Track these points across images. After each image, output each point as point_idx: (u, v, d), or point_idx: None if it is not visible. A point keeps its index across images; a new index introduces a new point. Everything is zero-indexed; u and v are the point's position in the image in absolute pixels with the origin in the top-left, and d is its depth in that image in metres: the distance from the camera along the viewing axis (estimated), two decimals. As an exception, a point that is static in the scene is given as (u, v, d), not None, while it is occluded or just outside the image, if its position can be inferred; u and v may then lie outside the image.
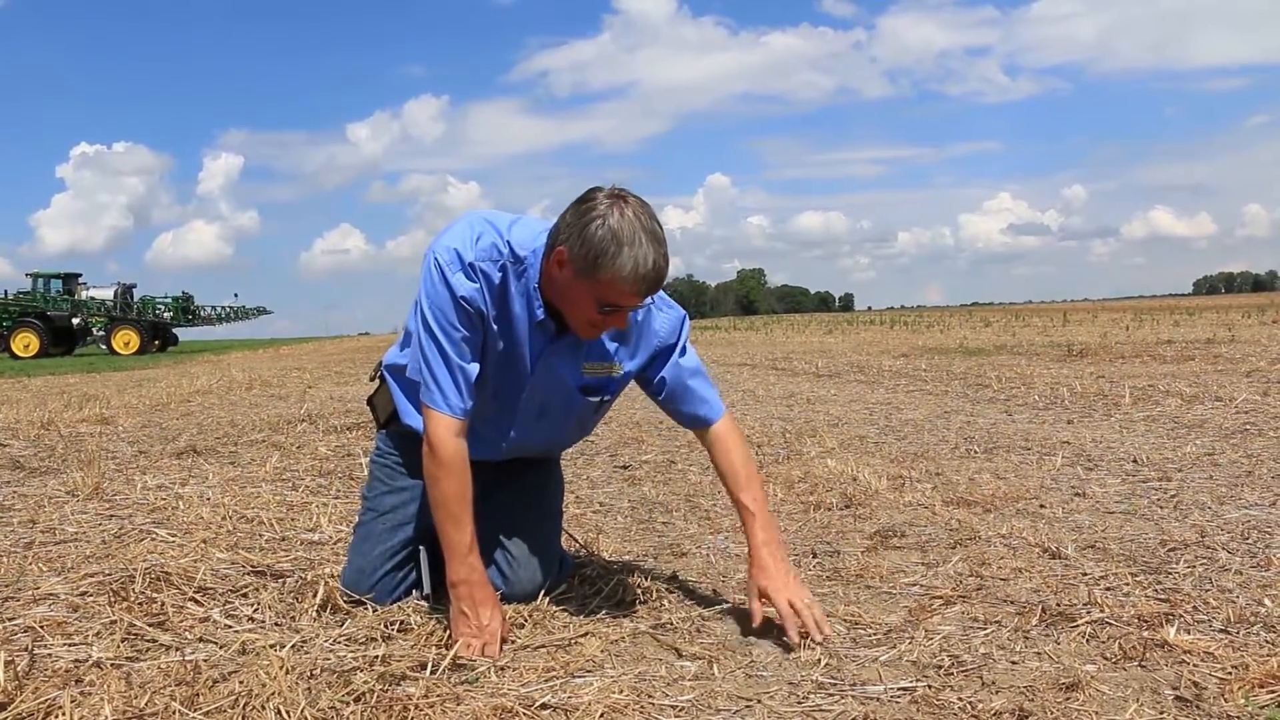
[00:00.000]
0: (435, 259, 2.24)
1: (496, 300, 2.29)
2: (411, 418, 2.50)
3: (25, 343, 37.74)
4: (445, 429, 2.26)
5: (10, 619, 2.45)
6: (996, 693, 1.94)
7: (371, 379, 2.77)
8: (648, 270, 2.10)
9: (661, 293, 2.36)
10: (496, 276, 2.27)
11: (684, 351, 2.50)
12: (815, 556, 3.05)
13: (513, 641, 2.27)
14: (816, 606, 2.33)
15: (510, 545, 2.56)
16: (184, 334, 47.57)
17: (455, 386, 2.26)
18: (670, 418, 2.58)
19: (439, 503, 2.28)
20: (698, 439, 2.58)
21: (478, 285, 2.25)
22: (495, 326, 2.31)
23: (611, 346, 2.41)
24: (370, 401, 2.76)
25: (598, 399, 2.50)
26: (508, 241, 2.28)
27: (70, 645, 2.25)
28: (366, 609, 2.46)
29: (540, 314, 2.29)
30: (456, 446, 2.27)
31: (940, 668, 2.08)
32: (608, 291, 2.13)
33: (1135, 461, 4.52)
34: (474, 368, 2.28)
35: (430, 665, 2.08)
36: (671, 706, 1.92)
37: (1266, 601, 2.42)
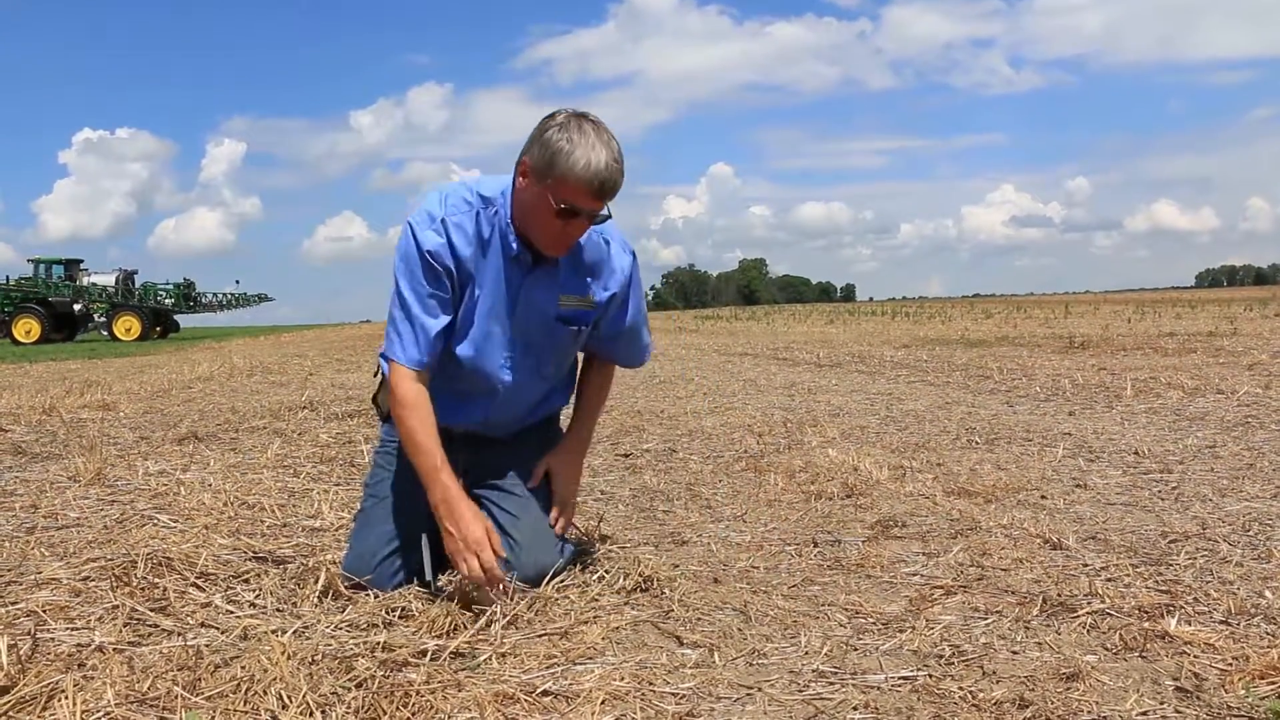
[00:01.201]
0: (409, 221, 2.44)
1: (474, 246, 2.44)
2: None
3: (27, 328, 37.72)
4: (403, 376, 2.44)
5: (13, 603, 2.45)
6: (997, 682, 1.94)
7: (375, 375, 2.79)
8: (600, 168, 2.26)
9: (618, 230, 2.58)
10: (471, 225, 2.44)
11: (638, 295, 2.71)
12: (816, 546, 3.05)
13: (514, 628, 2.28)
14: (571, 511, 2.73)
15: (513, 530, 2.57)
16: (185, 320, 47.60)
17: (415, 339, 2.43)
18: (598, 352, 2.79)
19: (406, 439, 2.45)
20: (587, 361, 2.84)
21: (444, 240, 2.41)
22: (475, 274, 2.46)
23: (589, 285, 2.57)
24: (375, 399, 2.84)
25: (575, 328, 2.61)
26: (476, 191, 2.46)
27: (73, 629, 2.26)
28: (368, 595, 2.46)
29: (515, 246, 2.44)
30: (416, 390, 2.44)
31: (941, 657, 2.09)
32: (563, 190, 2.28)
33: (1136, 453, 4.52)
34: (437, 323, 2.44)
35: (431, 652, 2.08)
36: (672, 694, 1.92)
37: (1267, 593, 2.42)
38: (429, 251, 2.39)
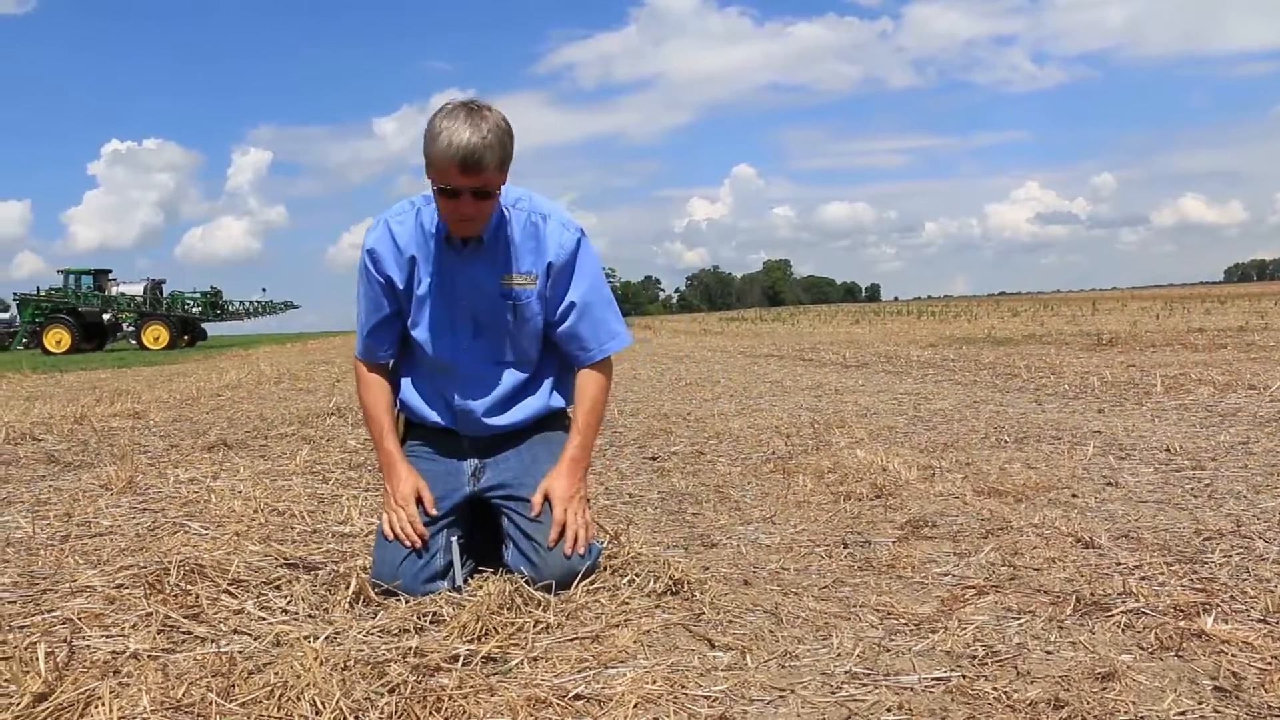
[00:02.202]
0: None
1: (415, 239, 2.63)
2: (409, 409, 2.81)
3: (57, 338, 38.08)
4: (360, 364, 2.79)
5: (49, 611, 2.48)
6: (1032, 683, 1.93)
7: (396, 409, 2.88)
8: (460, 144, 2.36)
9: (561, 211, 2.70)
10: (411, 221, 2.64)
11: (588, 274, 2.72)
12: (846, 547, 3.04)
13: (546, 632, 2.28)
14: (584, 528, 2.62)
15: (537, 535, 2.58)
16: (212, 329, 47.97)
17: (361, 338, 2.75)
18: (564, 342, 2.75)
19: (363, 410, 2.80)
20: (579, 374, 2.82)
21: (384, 236, 2.64)
22: (421, 263, 2.64)
23: (525, 263, 2.65)
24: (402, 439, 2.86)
25: (513, 303, 2.67)
26: (423, 195, 2.63)
27: (108, 637, 2.28)
28: (399, 601, 2.47)
29: (443, 230, 2.60)
30: (367, 372, 2.77)
31: (974, 658, 2.07)
32: (435, 172, 2.43)
33: (1168, 450, 4.48)
34: (369, 321, 2.71)
35: (463, 656, 2.09)
36: (705, 697, 1.92)
37: (1305, 591, 2.39)
38: (368, 250, 2.65)
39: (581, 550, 2.58)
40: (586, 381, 2.76)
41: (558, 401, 2.82)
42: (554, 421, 2.84)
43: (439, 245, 2.62)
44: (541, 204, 2.68)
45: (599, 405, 2.78)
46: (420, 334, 2.68)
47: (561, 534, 2.58)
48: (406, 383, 2.79)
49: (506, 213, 2.63)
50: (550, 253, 2.65)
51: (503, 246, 2.64)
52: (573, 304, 2.69)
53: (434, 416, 2.75)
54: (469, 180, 2.41)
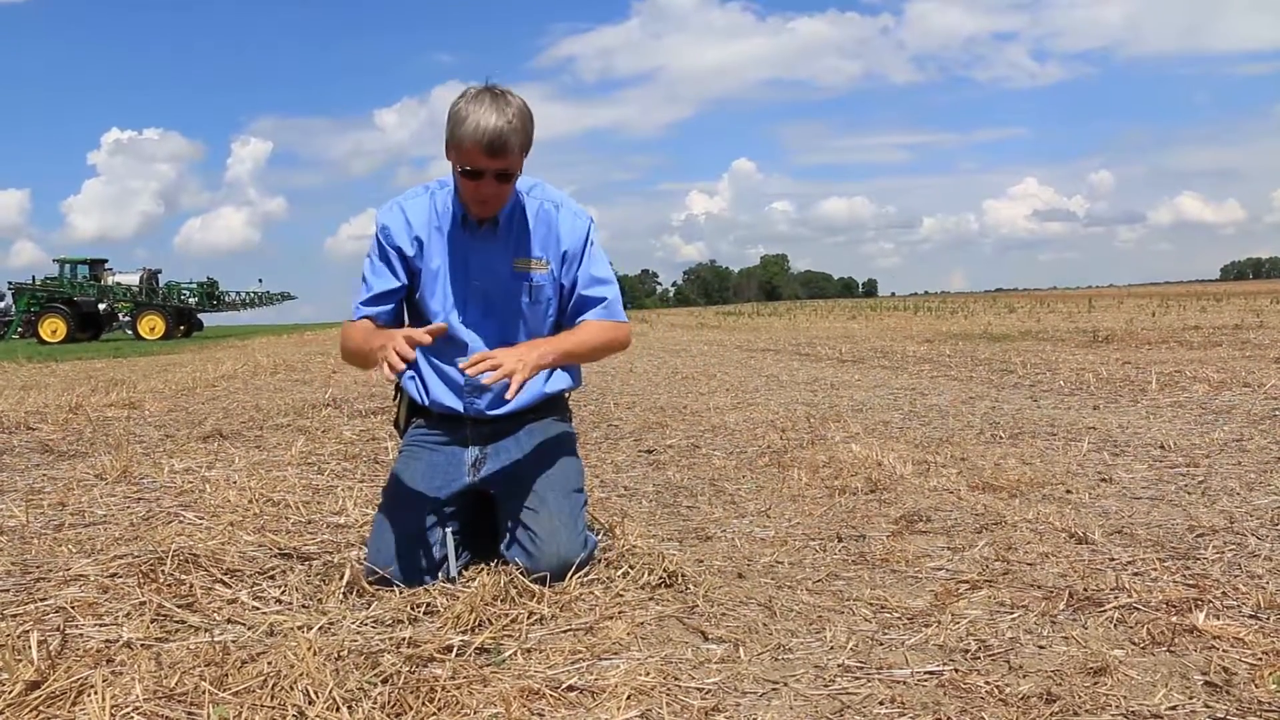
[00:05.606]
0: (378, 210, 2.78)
1: (428, 220, 2.71)
2: (421, 386, 2.79)
3: (53, 328, 37.97)
4: (352, 316, 2.74)
5: (42, 599, 2.48)
6: (1024, 677, 1.93)
7: (394, 398, 2.99)
8: (486, 128, 2.45)
9: (571, 200, 2.79)
10: (425, 204, 2.72)
11: (597, 258, 2.79)
12: (840, 541, 3.04)
13: (540, 624, 2.28)
14: (510, 366, 2.40)
15: (532, 524, 2.59)
16: (209, 319, 47.78)
17: (358, 305, 2.72)
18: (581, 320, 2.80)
19: (349, 348, 2.70)
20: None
21: (398, 216, 2.71)
22: (432, 243, 2.71)
23: (538, 248, 2.73)
24: (395, 422, 2.97)
25: (529, 284, 2.74)
26: (435, 181, 2.77)
27: (101, 626, 2.28)
28: (393, 591, 2.47)
29: (460, 212, 2.68)
30: (353, 321, 2.72)
31: (967, 652, 2.08)
32: (461, 154, 2.51)
33: (1162, 447, 4.49)
34: (380, 281, 2.71)
35: (456, 647, 2.09)
36: (698, 689, 1.92)
37: (1297, 587, 2.40)
38: (382, 226, 2.72)
39: (497, 378, 2.41)
40: (593, 323, 2.75)
41: (554, 386, 2.84)
42: (553, 407, 2.87)
43: (454, 226, 2.70)
44: (553, 193, 2.78)
45: (595, 341, 2.74)
46: (434, 305, 2.73)
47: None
48: (419, 361, 2.78)
49: (521, 198, 2.72)
50: (565, 241, 2.74)
51: (516, 231, 2.72)
52: (587, 284, 2.77)
53: (443, 398, 2.75)
54: (493, 163, 2.49)
